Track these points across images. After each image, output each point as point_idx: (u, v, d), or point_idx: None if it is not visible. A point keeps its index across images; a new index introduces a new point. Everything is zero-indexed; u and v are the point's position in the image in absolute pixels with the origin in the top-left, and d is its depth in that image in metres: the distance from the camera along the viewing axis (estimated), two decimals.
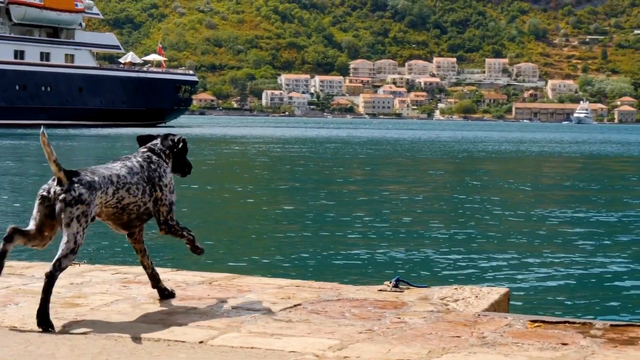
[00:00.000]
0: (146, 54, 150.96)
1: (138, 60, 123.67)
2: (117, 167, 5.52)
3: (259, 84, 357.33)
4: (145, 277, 6.07)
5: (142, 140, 5.93)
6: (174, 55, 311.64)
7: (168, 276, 6.77)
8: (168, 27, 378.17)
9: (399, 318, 5.49)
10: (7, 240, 5.21)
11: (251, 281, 6.76)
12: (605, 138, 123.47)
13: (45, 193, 5.20)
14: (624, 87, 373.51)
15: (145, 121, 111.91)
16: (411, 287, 6.47)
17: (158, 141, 5.89)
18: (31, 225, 5.23)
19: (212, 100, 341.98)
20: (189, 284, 6.55)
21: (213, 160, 46.78)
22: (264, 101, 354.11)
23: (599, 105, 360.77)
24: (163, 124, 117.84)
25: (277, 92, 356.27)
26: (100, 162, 6.02)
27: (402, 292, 6.32)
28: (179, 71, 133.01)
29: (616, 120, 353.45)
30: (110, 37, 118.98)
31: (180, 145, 5.91)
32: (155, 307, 5.73)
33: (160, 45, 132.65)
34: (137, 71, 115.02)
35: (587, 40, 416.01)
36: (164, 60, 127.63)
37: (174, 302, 5.88)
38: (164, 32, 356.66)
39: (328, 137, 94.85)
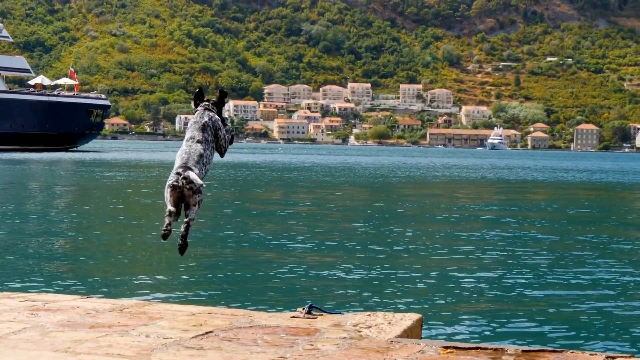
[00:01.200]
0: (57, 78, 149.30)
1: (48, 82, 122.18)
2: (199, 147, 6.99)
3: (173, 108, 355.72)
4: (54, 305, 5.97)
5: (199, 96, 7.44)
6: (85, 79, 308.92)
7: (78, 303, 6.67)
8: (80, 50, 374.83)
9: (312, 345, 5.47)
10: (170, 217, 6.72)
11: (162, 308, 6.68)
12: (522, 164, 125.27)
13: (175, 183, 6.65)
14: (537, 113, 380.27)
15: (56, 145, 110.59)
16: (324, 313, 6.45)
17: (208, 103, 7.45)
18: (171, 206, 6.65)
19: (125, 125, 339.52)
20: (99, 311, 6.45)
21: (127, 184, 46.37)
22: (177, 125, 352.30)
23: (513, 132, 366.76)
24: (75, 149, 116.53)
25: (190, 116, 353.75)
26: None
27: (315, 318, 6.30)
28: (90, 95, 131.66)
29: (529, 147, 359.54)
30: (20, 61, 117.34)
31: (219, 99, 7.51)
32: (65, 335, 5.63)
33: (72, 69, 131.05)
34: (48, 95, 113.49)
35: (501, 67, 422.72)
36: (76, 84, 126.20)
37: (84, 329, 5.79)
38: (75, 56, 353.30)
39: (245, 162, 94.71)
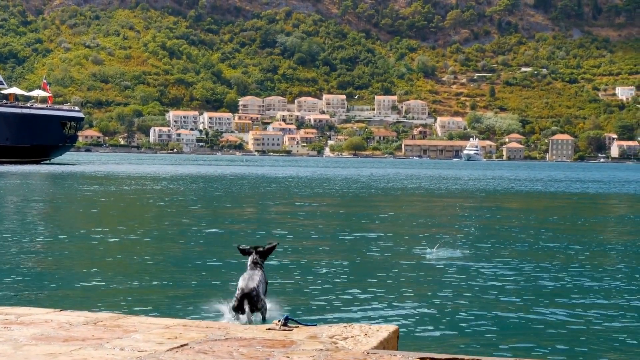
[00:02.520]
0: (30, 90, 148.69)
1: (21, 93, 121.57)
2: (258, 277, 9.02)
3: (147, 120, 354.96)
4: (28, 318, 5.93)
5: (243, 251, 9.79)
6: (59, 91, 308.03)
7: (51, 317, 6.61)
8: (53, 62, 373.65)
9: (288, 357, 5.43)
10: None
11: (137, 321, 6.63)
12: (499, 175, 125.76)
13: (235, 306, 8.76)
14: (512, 124, 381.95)
15: (29, 158, 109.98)
16: (300, 325, 6.43)
17: (257, 257, 9.55)
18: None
19: (99, 137, 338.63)
20: (73, 324, 6.39)
21: (101, 197, 46.21)
22: (151, 138, 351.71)
23: (488, 142, 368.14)
24: (48, 161, 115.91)
25: (165, 128, 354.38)
26: None
27: (291, 330, 6.27)
28: (64, 107, 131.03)
29: (505, 157, 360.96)
30: None
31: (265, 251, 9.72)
32: (38, 348, 5.58)
33: (45, 81, 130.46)
34: (21, 107, 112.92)
35: (475, 77, 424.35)
36: (50, 96, 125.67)
37: (58, 343, 5.73)
38: (48, 68, 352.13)
39: (222, 174, 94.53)
